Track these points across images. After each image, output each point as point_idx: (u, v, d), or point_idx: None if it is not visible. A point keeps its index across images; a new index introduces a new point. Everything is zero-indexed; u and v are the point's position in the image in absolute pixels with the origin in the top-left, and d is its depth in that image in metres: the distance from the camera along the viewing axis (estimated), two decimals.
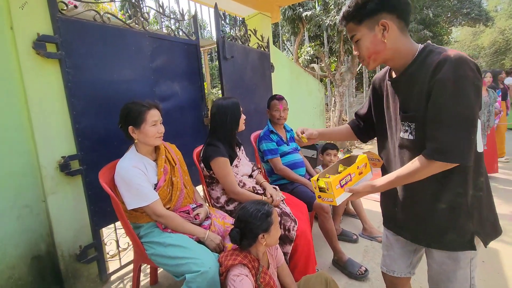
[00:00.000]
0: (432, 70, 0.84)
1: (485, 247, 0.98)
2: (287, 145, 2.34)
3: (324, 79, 10.49)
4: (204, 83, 2.72)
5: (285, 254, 1.66)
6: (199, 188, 2.25)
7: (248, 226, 1.18)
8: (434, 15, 11.83)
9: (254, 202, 1.27)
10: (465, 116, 0.82)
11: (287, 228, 1.66)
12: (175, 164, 1.64)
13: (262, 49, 3.37)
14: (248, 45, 3.04)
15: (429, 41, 0.96)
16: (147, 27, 2.10)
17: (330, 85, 11.23)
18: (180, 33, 2.44)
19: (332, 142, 3.19)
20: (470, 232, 0.94)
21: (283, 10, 6.22)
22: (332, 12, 5.92)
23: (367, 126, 1.24)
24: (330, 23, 5.71)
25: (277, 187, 1.96)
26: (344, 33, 5.92)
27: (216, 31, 2.47)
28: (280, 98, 2.35)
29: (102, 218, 1.85)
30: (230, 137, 1.83)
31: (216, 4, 2.45)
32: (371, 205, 3.20)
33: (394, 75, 1.01)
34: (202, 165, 1.82)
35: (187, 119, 2.42)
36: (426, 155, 0.87)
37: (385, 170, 1.13)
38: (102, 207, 1.82)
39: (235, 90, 2.72)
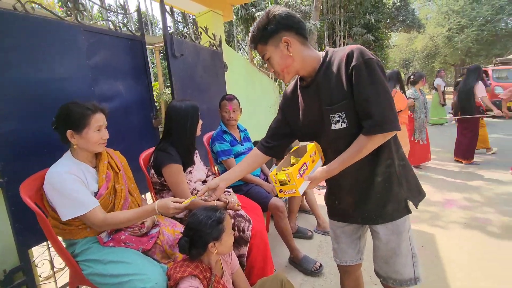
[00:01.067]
0: (345, 62, 0.97)
1: (416, 208, 1.12)
2: (241, 145, 2.30)
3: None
4: (156, 83, 2.56)
5: (241, 256, 1.62)
6: (148, 195, 2.10)
7: (198, 234, 1.11)
8: (376, 21, 12.89)
9: (205, 209, 1.20)
10: (385, 90, 0.95)
11: (241, 229, 1.63)
12: (119, 171, 1.49)
13: (214, 47, 3.29)
14: (199, 43, 2.94)
15: (328, 47, 1.11)
16: (83, 20, 1.88)
17: (285, 85, 11.50)
18: (125, 28, 2.25)
19: None
20: (403, 198, 1.08)
21: (236, 10, 6.18)
22: None
23: (276, 141, 1.26)
24: None
25: (230, 190, 1.91)
26: None
27: (163, 26, 2.33)
28: (230, 99, 2.30)
29: (30, 236, 1.61)
30: (189, 143, 1.74)
31: None
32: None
33: (304, 83, 1.11)
34: (152, 171, 1.69)
35: (132, 121, 2.24)
36: (366, 133, 0.96)
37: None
38: (30, 224, 1.57)
39: (186, 90, 2.61)
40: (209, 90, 3.06)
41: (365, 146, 0.97)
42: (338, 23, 9.66)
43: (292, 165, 1.10)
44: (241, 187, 2.17)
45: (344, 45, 10.46)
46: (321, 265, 2.02)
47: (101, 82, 1.98)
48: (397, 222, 1.09)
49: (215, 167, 2.36)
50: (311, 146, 1.15)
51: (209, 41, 3.18)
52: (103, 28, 2.10)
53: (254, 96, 4.62)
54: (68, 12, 1.81)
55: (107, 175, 1.40)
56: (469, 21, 24.56)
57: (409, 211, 1.10)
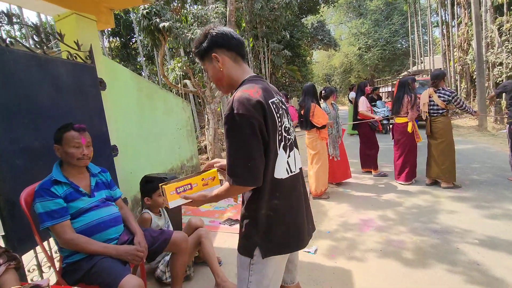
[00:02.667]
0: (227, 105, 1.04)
1: (262, 258, 1.09)
2: (89, 196, 1.60)
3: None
4: None
5: None
6: None
7: None
8: (296, 38, 13.57)
9: None
10: (235, 146, 1.00)
11: None
12: None
13: (79, 59, 2.53)
14: (44, 52, 2.16)
15: (254, 75, 1.16)
16: None
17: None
18: None
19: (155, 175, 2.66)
20: (253, 243, 1.09)
21: (138, 20, 5.45)
22: (194, 25, 5.57)
23: None
24: (192, 36, 5.32)
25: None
26: None
27: None
28: (82, 129, 1.62)
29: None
30: None
31: None
32: (234, 239, 2.80)
33: None
34: None
35: None
36: (227, 179, 1.05)
37: None
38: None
39: (13, 120, 1.81)
40: (68, 116, 2.27)
41: (226, 189, 1.06)
42: (259, 38, 9.69)
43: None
44: (81, 264, 1.46)
45: (268, 60, 10.59)
46: None
47: None
48: (242, 258, 1.14)
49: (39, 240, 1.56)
50: (211, 171, 1.25)
51: (68, 51, 2.41)
52: None
53: (154, 119, 3.91)
54: None
55: None
56: (374, 42, 28.36)
57: (250, 256, 1.10)
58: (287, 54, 9.43)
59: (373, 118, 4.69)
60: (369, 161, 4.90)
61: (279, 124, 1.07)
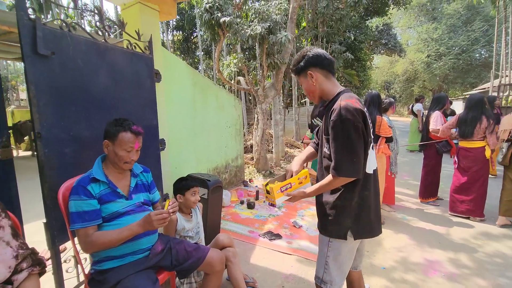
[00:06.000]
0: (331, 112, 1.29)
1: (354, 239, 1.37)
2: (127, 198, 1.46)
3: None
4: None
5: None
6: None
7: None
8: (358, 41, 12.66)
9: None
10: (345, 145, 1.26)
11: None
12: None
13: (139, 49, 2.48)
14: (105, 40, 2.12)
15: (345, 88, 1.43)
16: None
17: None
18: None
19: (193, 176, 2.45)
20: (345, 227, 1.35)
21: (200, 14, 5.45)
22: (254, 21, 5.39)
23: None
24: (252, 33, 5.14)
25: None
26: (267, 45, 5.42)
27: (16, 8, 1.50)
28: (138, 133, 1.49)
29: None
30: None
31: None
32: (274, 258, 2.52)
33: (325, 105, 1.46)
34: None
35: None
36: (331, 172, 1.30)
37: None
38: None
39: (66, 107, 1.77)
40: (121, 107, 2.22)
41: (330, 182, 1.31)
42: (319, 39, 9.19)
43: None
44: (105, 280, 1.31)
45: None
46: None
47: None
48: (328, 239, 1.41)
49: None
50: (303, 171, 1.49)
51: (128, 40, 2.37)
52: None
53: (205, 114, 3.81)
54: None
55: None
56: (447, 50, 25.43)
57: (343, 238, 1.36)
58: (349, 57, 8.74)
59: (446, 139, 3.94)
60: (431, 189, 4.19)
61: (370, 128, 1.33)
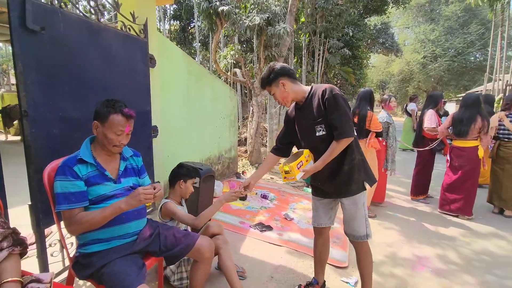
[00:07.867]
0: (321, 95, 1.60)
1: (370, 186, 1.81)
2: (115, 182, 1.42)
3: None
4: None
5: None
6: None
7: None
8: (356, 38, 12.62)
9: None
10: (342, 112, 1.55)
11: None
12: None
13: (133, 32, 2.41)
14: (98, 20, 2.04)
15: (313, 84, 1.88)
16: None
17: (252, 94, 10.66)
18: None
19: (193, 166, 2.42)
20: (361, 180, 1.73)
21: (198, 2, 5.34)
22: (253, 11, 5.31)
23: (284, 144, 1.90)
24: (250, 24, 5.06)
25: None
26: (265, 37, 5.36)
27: None
28: (129, 115, 1.42)
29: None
30: None
31: None
32: (264, 249, 2.51)
33: (299, 105, 1.75)
34: None
35: None
36: (335, 139, 1.57)
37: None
38: None
39: (55, 87, 1.70)
40: (113, 90, 2.16)
41: (336, 147, 1.57)
42: (317, 34, 9.13)
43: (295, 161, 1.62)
44: (95, 267, 1.28)
45: (322, 58, 10.00)
46: None
47: None
48: (356, 197, 1.71)
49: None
50: (306, 151, 1.69)
51: (122, 22, 2.29)
52: None
53: (198, 104, 3.75)
54: None
55: None
56: (443, 51, 25.61)
57: (364, 189, 1.75)
58: (347, 53, 8.71)
59: (440, 138, 3.96)
60: (422, 187, 4.24)
61: None
